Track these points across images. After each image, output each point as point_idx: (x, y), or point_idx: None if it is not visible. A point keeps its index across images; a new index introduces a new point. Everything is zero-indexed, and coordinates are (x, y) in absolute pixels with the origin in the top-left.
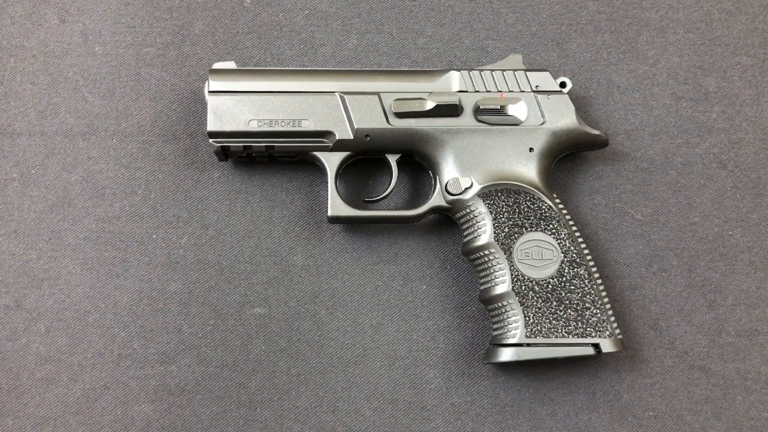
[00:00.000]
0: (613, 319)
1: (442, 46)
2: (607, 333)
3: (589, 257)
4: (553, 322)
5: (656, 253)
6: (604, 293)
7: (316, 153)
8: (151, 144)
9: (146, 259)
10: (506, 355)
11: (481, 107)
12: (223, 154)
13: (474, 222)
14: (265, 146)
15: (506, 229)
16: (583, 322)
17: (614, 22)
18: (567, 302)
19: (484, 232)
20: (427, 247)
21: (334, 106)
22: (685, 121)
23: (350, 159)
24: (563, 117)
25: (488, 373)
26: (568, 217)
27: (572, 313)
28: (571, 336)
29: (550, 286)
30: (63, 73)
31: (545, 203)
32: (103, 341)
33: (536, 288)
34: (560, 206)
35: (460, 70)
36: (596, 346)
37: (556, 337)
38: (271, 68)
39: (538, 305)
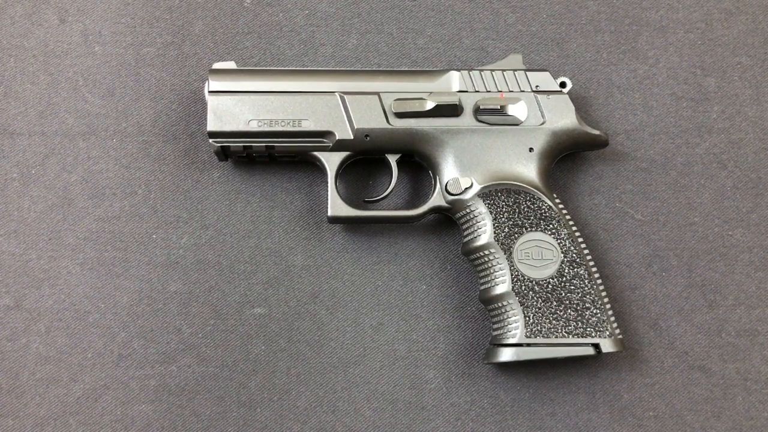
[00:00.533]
0: (613, 319)
1: (442, 46)
2: (607, 333)
3: (589, 257)
4: (553, 322)
5: (656, 253)
6: (604, 293)
7: (316, 153)
8: (151, 144)
9: (146, 259)
10: (506, 355)
11: (481, 107)
12: (223, 154)
13: (474, 222)
14: (265, 146)
15: (506, 229)
16: (583, 322)
17: (614, 22)
18: (567, 302)
19: (484, 232)
20: (427, 247)
21: (334, 106)
22: (685, 121)
23: (350, 159)
24: (563, 117)
25: (488, 373)
26: (568, 217)
27: (572, 313)
28: (571, 336)
29: (550, 286)
30: (63, 73)
31: (545, 203)
32: (103, 341)
33: (536, 288)
34: (560, 206)
35: (460, 70)
36: (596, 346)
37: (556, 337)
38: (271, 68)
39: (538, 305)
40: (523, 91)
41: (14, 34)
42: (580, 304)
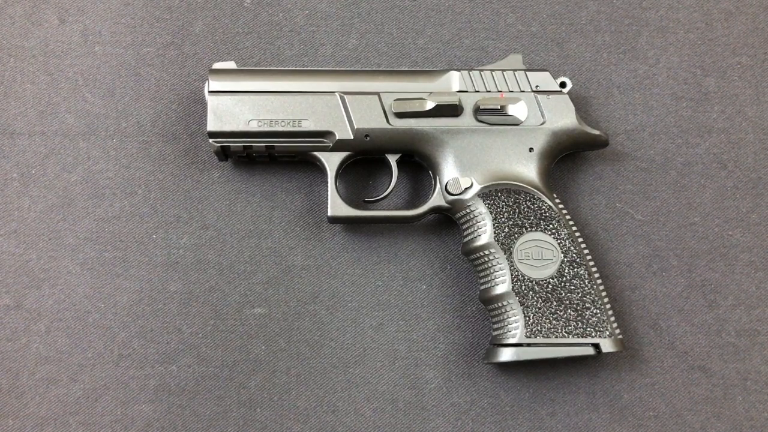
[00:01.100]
0: (613, 319)
1: (442, 46)
2: (607, 333)
3: (589, 257)
4: (553, 322)
5: (656, 253)
6: (604, 293)
7: (316, 153)
8: (151, 144)
9: (146, 259)
10: (506, 355)
11: (481, 107)
12: (223, 154)
13: (474, 222)
14: (265, 146)
15: (506, 229)
16: (583, 322)
17: (614, 22)
18: (567, 302)
19: (484, 232)
20: (427, 247)
21: (334, 106)
22: (685, 121)
23: (350, 159)
24: (563, 117)
25: (488, 373)
26: (568, 217)
27: (572, 313)
28: (571, 336)
29: (550, 286)
30: (63, 73)
31: (545, 203)
32: (103, 341)
33: (536, 288)
34: (560, 206)
35: (460, 70)
36: (596, 346)
37: (556, 337)
38: (271, 68)
39: (538, 305)
40: (523, 91)
41: (14, 34)
42: (580, 304)
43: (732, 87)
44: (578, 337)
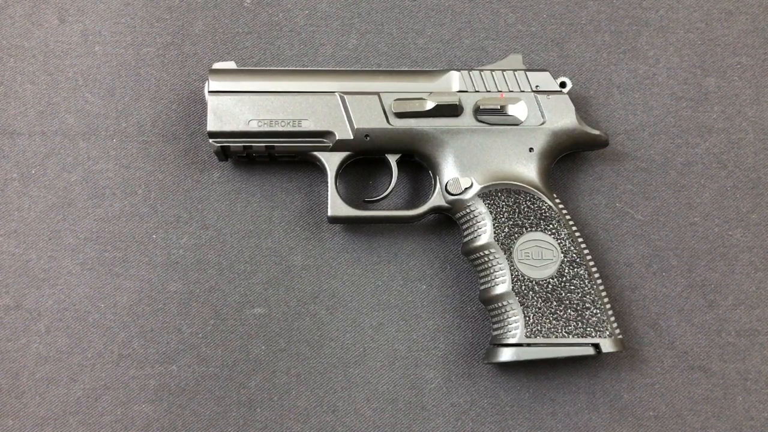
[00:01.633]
0: (613, 319)
1: (442, 46)
2: (607, 333)
3: (589, 257)
4: (553, 322)
5: (656, 253)
6: (604, 293)
7: (316, 153)
8: (151, 144)
9: (146, 259)
10: (506, 355)
11: (481, 107)
12: (223, 154)
13: (474, 222)
14: (265, 146)
15: (506, 229)
16: (583, 322)
17: (614, 22)
18: (567, 302)
19: (484, 232)
20: (427, 247)
21: (334, 106)
22: (685, 121)
23: (350, 159)
24: (563, 117)
25: (488, 373)
26: (568, 217)
27: (572, 313)
28: (571, 336)
29: (550, 286)
30: (63, 73)
31: (545, 203)
32: (103, 341)
33: (536, 288)
34: (560, 206)
35: (460, 70)
36: (596, 346)
37: (556, 337)
38: (271, 68)
39: (538, 305)
40: (523, 91)
41: (14, 34)
42: (580, 304)
43: (732, 87)
44: (578, 337)
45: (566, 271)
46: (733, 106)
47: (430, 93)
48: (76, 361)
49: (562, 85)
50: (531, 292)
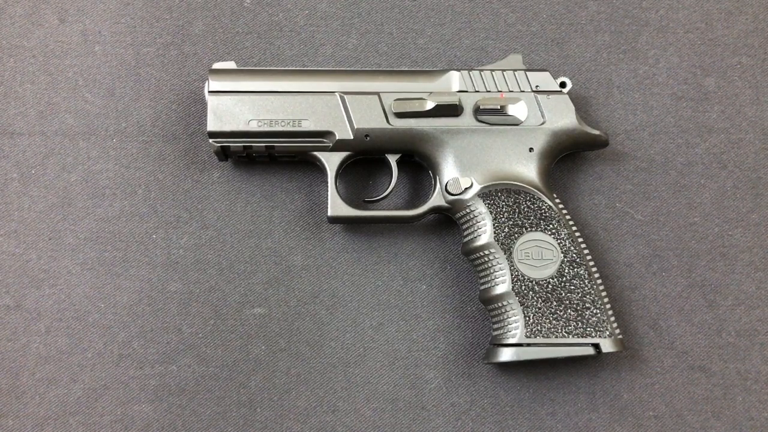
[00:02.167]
0: (613, 319)
1: (442, 46)
2: (607, 333)
3: (589, 257)
4: (553, 322)
5: (656, 253)
6: (604, 293)
7: (316, 153)
8: (151, 144)
9: (146, 259)
10: (506, 355)
11: (481, 107)
12: (223, 154)
13: (474, 222)
14: (265, 146)
15: (506, 229)
16: (583, 322)
17: (614, 22)
18: (567, 302)
19: (484, 232)
20: (427, 247)
21: (334, 106)
22: (685, 121)
23: (350, 159)
24: (563, 117)
25: (488, 373)
26: (568, 217)
27: (572, 313)
28: (571, 336)
29: (550, 286)
30: (63, 73)
31: (545, 203)
32: (103, 341)
33: (536, 288)
34: (560, 206)
35: (460, 70)
36: (596, 346)
37: (556, 337)
38: (271, 68)
39: (538, 305)
40: (523, 91)
41: (14, 34)
42: (580, 304)
43: (732, 87)
44: (578, 337)
45: (566, 271)
46: (733, 106)
47: (430, 93)
48: (76, 361)
49: (562, 85)
50: (531, 292)
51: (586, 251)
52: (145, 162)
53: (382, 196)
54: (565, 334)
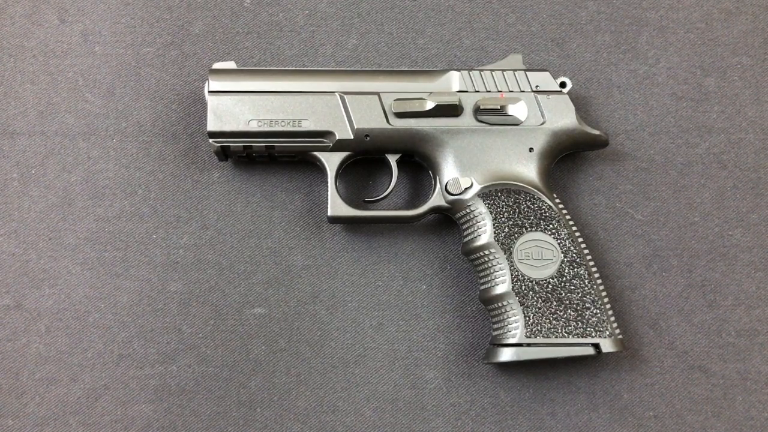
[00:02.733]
0: (613, 319)
1: (442, 46)
2: (607, 333)
3: (589, 257)
4: (553, 322)
5: (656, 253)
6: (604, 293)
7: (316, 153)
8: (151, 144)
9: (146, 259)
10: (506, 355)
11: (481, 107)
12: (223, 154)
13: (474, 222)
14: (265, 146)
15: (506, 229)
16: (583, 322)
17: (614, 22)
18: (567, 302)
19: (484, 232)
20: (427, 247)
21: (334, 106)
22: (685, 121)
23: (350, 159)
24: (563, 117)
25: (488, 373)
26: (568, 217)
27: (572, 313)
28: (571, 336)
29: (550, 286)
30: (63, 73)
31: (545, 203)
32: (103, 341)
33: (536, 288)
34: (560, 206)
35: (460, 70)
36: (596, 346)
37: (556, 337)
38: (271, 68)
39: (538, 305)
40: (523, 91)
41: (14, 34)
42: (580, 304)
43: (732, 87)
44: (578, 337)
45: (566, 271)
46: (733, 106)
47: (430, 93)
48: (76, 361)
49: (562, 85)
50: (531, 292)
51: (586, 251)
52: (145, 162)
53: (382, 196)
54: (565, 334)
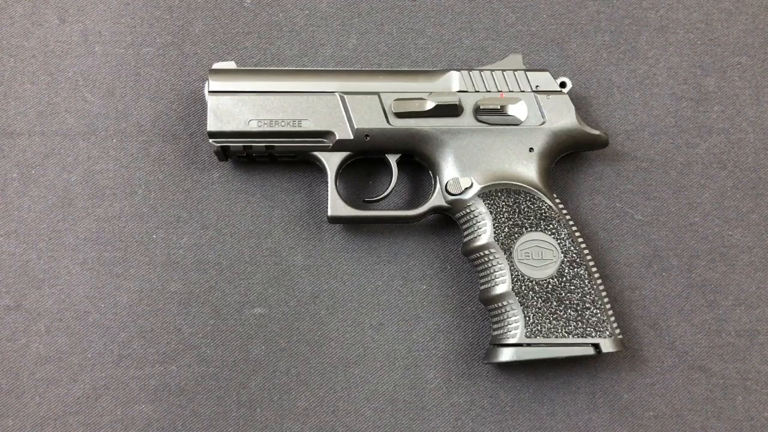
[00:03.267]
0: (613, 319)
1: (442, 46)
2: (607, 333)
3: (589, 257)
4: (553, 322)
5: (656, 253)
6: (604, 293)
7: (316, 153)
8: (151, 144)
9: (146, 259)
10: (506, 355)
11: (481, 107)
12: (223, 154)
13: (474, 222)
14: (265, 146)
15: (506, 229)
16: (583, 322)
17: (614, 22)
18: (567, 302)
19: (484, 232)
20: (427, 247)
21: (334, 106)
22: (685, 121)
23: (350, 159)
24: (563, 117)
25: (488, 373)
26: (568, 217)
27: (572, 313)
28: (571, 336)
29: (550, 286)
30: (63, 73)
31: (545, 203)
32: (103, 341)
33: (536, 288)
34: (560, 206)
35: (460, 70)
36: (596, 346)
37: (556, 337)
38: (271, 68)
39: (538, 305)
40: (523, 91)
41: (14, 34)
42: (580, 304)
43: (732, 87)
44: (578, 337)
45: (566, 271)
46: (733, 106)
47: (430, 93)
48: (76, 361)
49: (562, 85)
50: (531, 292)
51: (586, 251)
52: (145, 162)
53: (382, 196)
54: (565, 334)
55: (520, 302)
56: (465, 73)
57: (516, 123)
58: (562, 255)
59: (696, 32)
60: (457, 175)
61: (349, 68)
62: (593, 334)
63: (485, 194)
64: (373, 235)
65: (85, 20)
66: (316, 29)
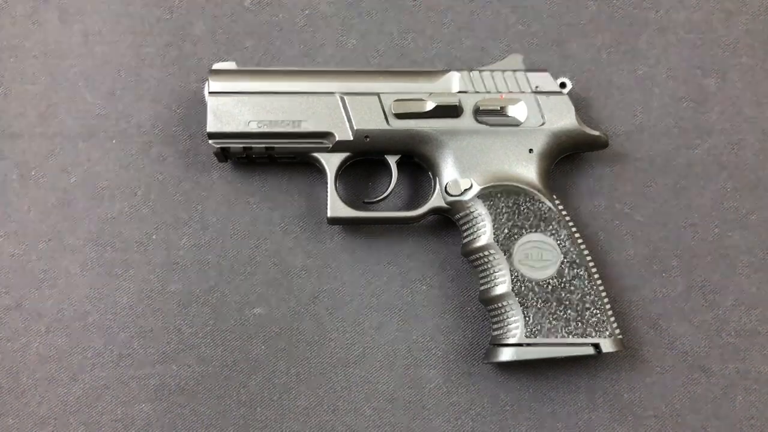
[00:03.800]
0: (613, 319)
1: (442, 46)
2: (607, 333)
3: (588, 258)
4: (553, 322)
5: (656, 253)
6: (604, 293)
7: (315, 154)
8: (151, 145)
9: (146, 259)
10: (506, 354)
11: (480, 108)
12: (223, 155)
13: (474, 223)
14: (265, 147)
15: (506, 230)
16: (583, 322)
17: (614, 22)
18: (567, 302)
19: (484, 233)
20: (427, 248)
21: (333, 107)
22: (685, 122)
23: (350, 160)
24: (563, 118)
25: (488, 373)
26: (567, 218)
27: (572, 313)
28: (571, 336)
29: (550, 287)
30: (63, 74)
31: (545, 204)
32: (103, 341)
33: (536, 289)
34: (560, 207)
35: (460, 71)
36: (596, 346)
37: (556, 337)
38: (271, 69)
39: (538, 305)
40: (523, 92)
41: (14, 34)
42: (580, 304)
43: (732, 88)
44: (578, 336)
45: (566, 271)
46: (733, 106)
47: (430, 94)
48: (76, 361)
49: (562, 85)
50: (531, 293)
51: (585, 252)
52: (145, 163)
53: (381, 197)
54: (565, 334)
55: (520, 303)
56: (465, 73)
57: (516, 124)
58: (562, 256)
59: (696, 33)
60: (456, 176)
61: (349, 68)
62: (593, 334)
63: (485, 195)
64: (372, 236)
65: (85, 20)
66: (316, 29)
